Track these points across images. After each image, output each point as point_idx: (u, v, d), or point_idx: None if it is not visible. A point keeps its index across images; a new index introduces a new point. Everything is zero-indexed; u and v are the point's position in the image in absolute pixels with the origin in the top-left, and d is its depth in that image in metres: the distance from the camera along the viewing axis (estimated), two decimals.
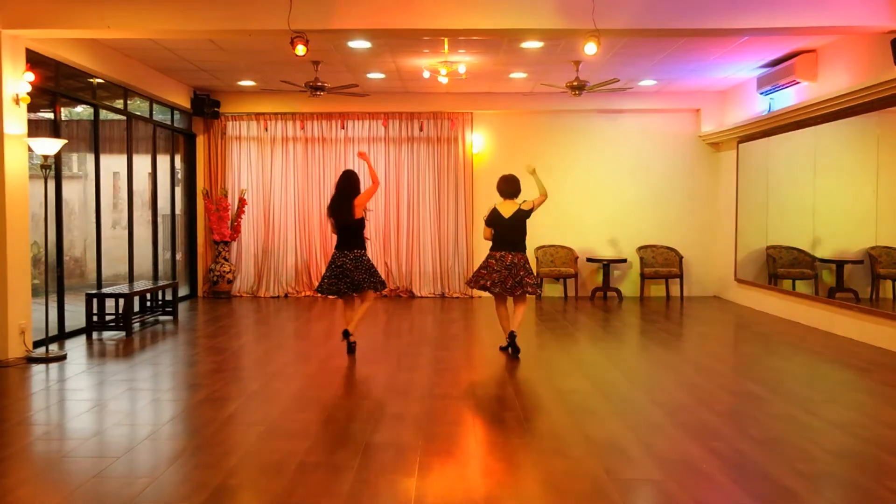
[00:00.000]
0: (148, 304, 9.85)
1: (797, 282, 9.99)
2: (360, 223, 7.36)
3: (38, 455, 4.53)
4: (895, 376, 6.61)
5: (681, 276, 12.01)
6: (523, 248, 7.43)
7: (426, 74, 9.90)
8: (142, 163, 10.57)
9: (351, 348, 7.39)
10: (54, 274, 8.25)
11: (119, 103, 9.77)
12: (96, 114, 9.18)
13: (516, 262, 7.31)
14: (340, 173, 7.60)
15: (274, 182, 12.39)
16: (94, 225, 9.20)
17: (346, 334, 7.37)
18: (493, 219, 7.44)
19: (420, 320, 9.93)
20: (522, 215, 7.38)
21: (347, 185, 7.36)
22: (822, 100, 8.65)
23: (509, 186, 7.45)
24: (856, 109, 8.22)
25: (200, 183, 12.33)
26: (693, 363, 7.28)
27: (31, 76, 7.22)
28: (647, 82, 11.19)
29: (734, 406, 5.58)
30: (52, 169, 7.80)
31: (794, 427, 5.01)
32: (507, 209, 7.39)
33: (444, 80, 9.70)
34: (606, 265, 12.11)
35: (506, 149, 12.45)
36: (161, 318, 9.83)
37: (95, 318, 8.62)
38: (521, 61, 9.83)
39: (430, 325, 9.49)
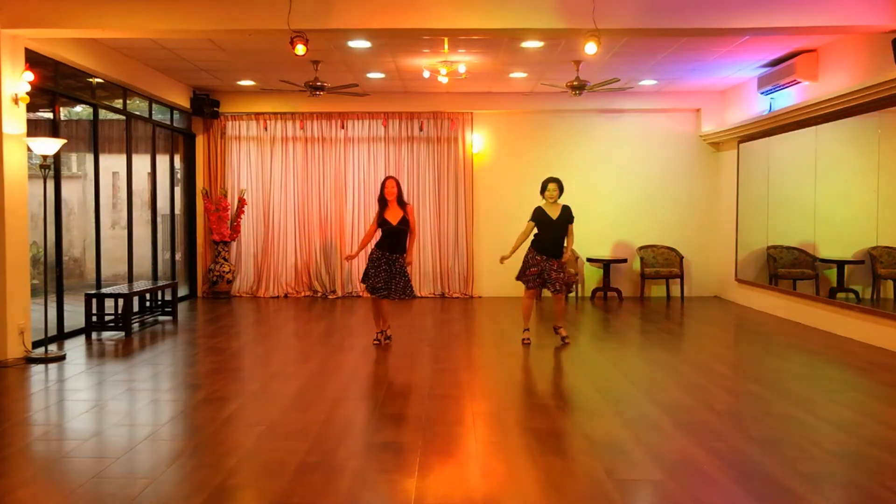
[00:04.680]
0: (147, 304, 9.84)
1: (798, 282, 9.99)
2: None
3: (37, 455, 4.53)
4: (895, 376, 6.60)
5: (681, 276, 12.00)
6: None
7: (426, 74, 9.89)
8: (141, 163, 10.56)
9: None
10: (53, 274, 8.24)
11: (118, 103, 9.77)
12: (95, 113, 9.17)
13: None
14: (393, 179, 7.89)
15: (273, 182, 12.38)
16: (93, 225, 9.19)
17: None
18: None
19: (420, 320, 9.91)
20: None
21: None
22: (822, 99, 8.65)
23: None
24: (856, 109, 8.21)
25: (200, 183, 12.32)
26: (693, 363, 7.27)
27: (30, 76, 7.21)
28: (648, 82, 11.19)
29: (734, 406, 5.58)
30: (52, 169, 7.80)
31: (795, 427, 5.00)
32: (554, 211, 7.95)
33: (444, 79, 9.69)
34: (606, 265, 12.10)
35: (506, 149, 12.45)
36: (160, 318, 9.82)
37: (95, 319, 8.61)
38: (521, 61, 9.83)
39: (430, 325, 9.48)
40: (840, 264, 9.07)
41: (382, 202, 7.75)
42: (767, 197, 10.64)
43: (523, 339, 8.00)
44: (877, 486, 3.95)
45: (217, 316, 10.25)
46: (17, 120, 7.16)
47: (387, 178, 7.84)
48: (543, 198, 7.93)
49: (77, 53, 8.24)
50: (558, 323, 8.13)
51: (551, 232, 7.82)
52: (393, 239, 7.68)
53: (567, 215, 7.88)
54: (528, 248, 7.94)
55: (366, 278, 7.73)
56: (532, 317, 8.34)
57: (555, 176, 8.03)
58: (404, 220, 7.68)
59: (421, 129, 12.36)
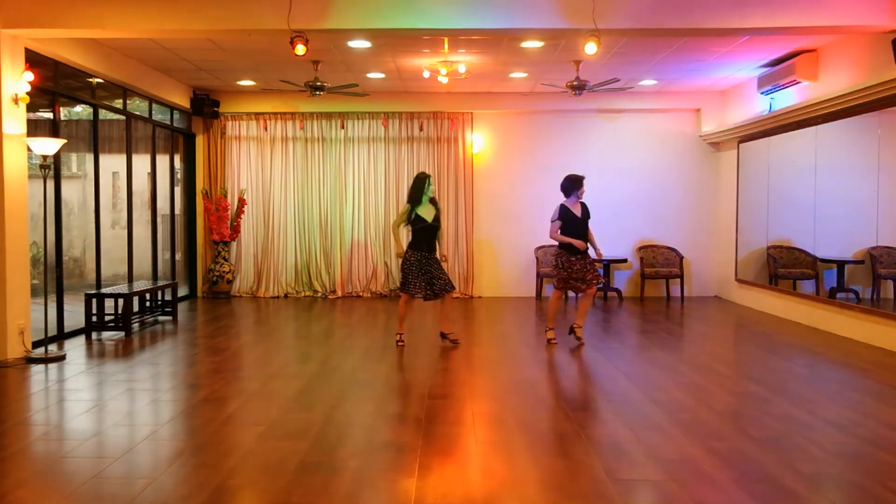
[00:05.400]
0: (147, 304, 9.84)
1: (798, 282, 9.99)
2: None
3: (37, 455, 4.53)
4: (895, 376, 6.60)
5: (681, 276, 12.00)
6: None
7: (426, 74, 9.89)
8: (141, 163, 10.56)
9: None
10: (53, 274, 8.24)
11: (118, 103, 9.77)
12: (95, 113, 9.17)
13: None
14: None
15: (273, 182, 12.38)
16: (93, 225, 9.19)
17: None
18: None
19: (420, 320, 9.90)
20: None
21: None
22: (822, 99, 8.65)
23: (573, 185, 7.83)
24: (856, 109, 8.21)
25: (200, 183, 12.32)
26: (693, 363, 7.27)
27: (30, 76, 7.21)
28: (648, 82, 11.18)
29: (734, 406, 5.58)
30: (52, 169, 7.80)
31: (794, 427, 5.00)
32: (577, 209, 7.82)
33: (444, 79, 9.69)
34: (606, 265, 12.10)
35: (506, 149, 12.45)
36: (160, 318, 9.82)
37: (95, 319, 8.61)
38: (521, 61, 9.83)
39: (431, 326, 9.47)
40: (840, 264, 9.07)
41: (415, 201, 7.61)
42: (767, 197, 10.64)
43: (548, 339, 7.96)
44: (877, 486, 3.95)
45: (217, 316, 10.25)
46: (17, 120, 7.16)
47: (427, 175, 7.70)
48: (575, 196, 7.77)
49: (77, 53, 8.24)
50: (579, 322, 7.97)
51: (579, 230, 7.73)
52: (429, 236, 7.62)
53: (587, 212, 7.86)
54: (558, 252, 7.81)
55: (407, 286, 7.59)
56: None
57: (574, 174, 7.93)
58: (437, 217, 7.65)
59: (421, 129, 12.36)
